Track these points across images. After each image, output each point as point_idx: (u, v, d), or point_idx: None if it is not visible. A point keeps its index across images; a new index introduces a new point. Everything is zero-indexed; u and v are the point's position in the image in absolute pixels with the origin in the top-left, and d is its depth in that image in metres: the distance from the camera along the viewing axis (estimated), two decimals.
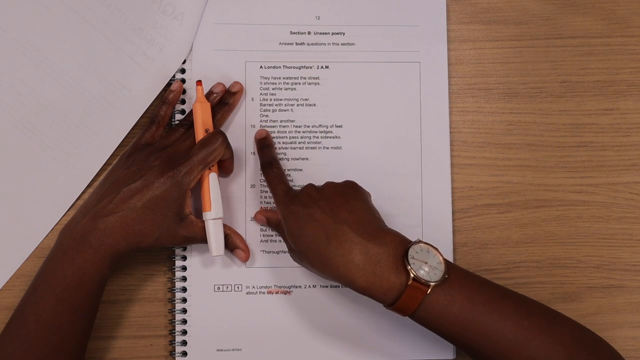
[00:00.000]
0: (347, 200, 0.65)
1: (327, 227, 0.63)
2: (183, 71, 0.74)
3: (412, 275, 0.60)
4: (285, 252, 0.73)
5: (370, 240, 0.62)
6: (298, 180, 0.74)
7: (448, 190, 0.74)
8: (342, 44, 0.75)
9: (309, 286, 0.73)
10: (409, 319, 0.63)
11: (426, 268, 0.61)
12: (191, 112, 0.72)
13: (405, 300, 0.61)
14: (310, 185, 0.67)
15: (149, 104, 0.73)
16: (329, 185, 0.67)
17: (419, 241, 0.62)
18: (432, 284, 0.60)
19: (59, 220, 0.72)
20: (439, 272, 0.61)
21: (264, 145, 0.73)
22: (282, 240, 0.73)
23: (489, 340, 0.60)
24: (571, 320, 0.63)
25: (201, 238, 0.69)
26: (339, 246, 0.62)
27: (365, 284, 0.61)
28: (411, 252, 0.61)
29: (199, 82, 0.71)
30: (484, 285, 0.63)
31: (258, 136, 0.73)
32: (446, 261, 0.62)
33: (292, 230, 0.65)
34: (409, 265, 0.61)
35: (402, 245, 0.62)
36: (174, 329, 0.72)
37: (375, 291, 0.61)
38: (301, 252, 0.65)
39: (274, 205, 0.73)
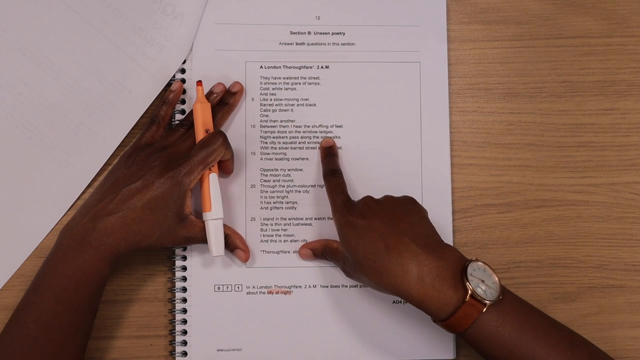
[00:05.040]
0: (406, 212, 0.65)
1: (386, 237, 0.63)
2: (183, 71, 0.74)
3: (470, 291, 0.60)
4: (285, 252, 0.73)
5: (430, 253, 0.62)
6: (298, 180, 0.74)
7: (448, 190, 0.74)
8: (342, 44, 0.75)
9: (309, 286, 0.73)
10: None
11: (483, 287, 0.61)
12: (191, 112, 0.72)
13: (460, 316, 0.61)
14: (369, 197, 0.67)
15: (149, 104, 0.73)
16: (388, 198, 0.67)
17: (477, 259, 0.63)
18: (488, 302, 0.60)
19: (59, 220, 0.72)
20: (494, 292, 0.61)
21: (329, 153, 0.73)
22: (332, 262, 0.72)
23: None
24: (610, 357, 0.63)
25: (201, 238, 0.69)
26: (398, 256, 0.62)
27: (423, 296, 0.61)
28: (469, 269, 0.62)
29: (199, 82, 0.71)
30: (533, 311, 0.63)
31: (325, 144, 0.73)
32: (500, 283, 0.62)
33: (348, 240, 0.65)
34: (468, 282, 0.61)
35: (460, 262, 0.62)
36: (174, 329, 0.72)
37: (431, 304, 0.61)
38: (357, 263, 0.64)
39: (276, 207, 0.73)
